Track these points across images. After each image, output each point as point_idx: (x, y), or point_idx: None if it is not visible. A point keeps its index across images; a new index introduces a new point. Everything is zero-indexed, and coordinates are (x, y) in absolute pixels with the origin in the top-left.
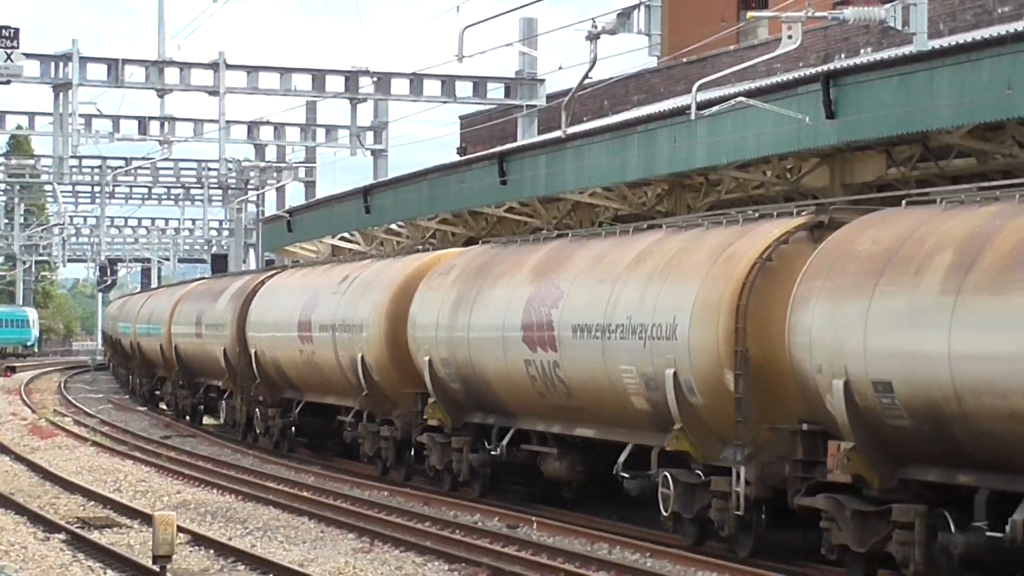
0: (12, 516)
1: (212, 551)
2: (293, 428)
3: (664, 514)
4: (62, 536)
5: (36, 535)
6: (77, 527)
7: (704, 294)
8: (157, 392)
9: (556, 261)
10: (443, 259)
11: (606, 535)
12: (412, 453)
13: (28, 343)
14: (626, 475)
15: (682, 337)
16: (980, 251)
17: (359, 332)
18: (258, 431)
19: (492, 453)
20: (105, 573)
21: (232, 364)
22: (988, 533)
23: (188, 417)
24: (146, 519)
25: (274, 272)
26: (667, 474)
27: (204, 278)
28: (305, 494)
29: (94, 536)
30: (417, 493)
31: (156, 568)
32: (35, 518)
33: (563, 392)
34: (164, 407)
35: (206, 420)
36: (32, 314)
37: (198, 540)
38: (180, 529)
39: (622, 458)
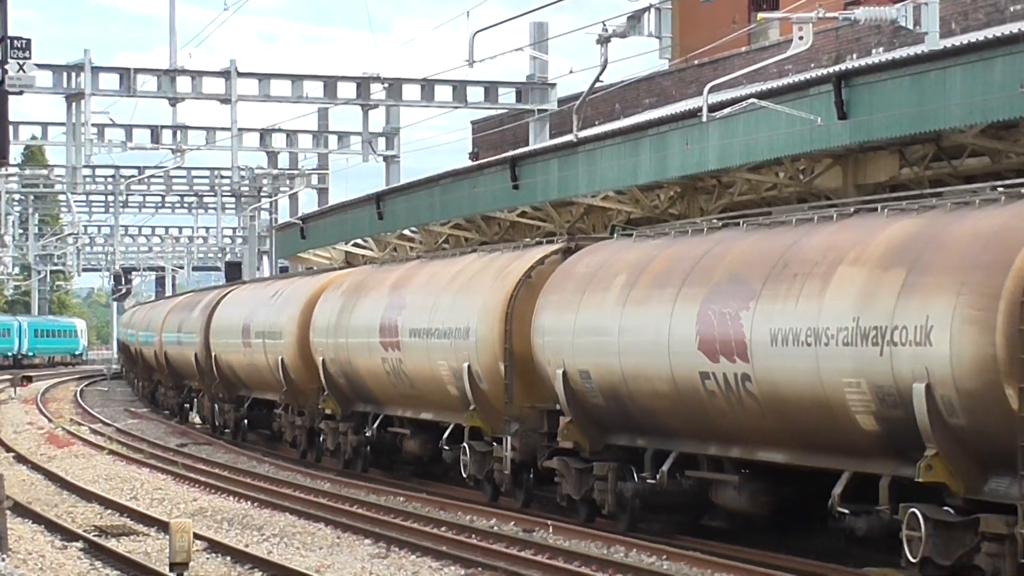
0: (30, 525)
1: (229, 558)
2: (245, 421)
3: (464, 475)
4: (79, 544)
5: (54, 543)
6: (94, 535)
7: (486, 303)
8: (187, 405)
9: (406, 278)
10: (339, 277)
11: (622, 538)
12: (321, 439)
13: (77, 352)
14: (446, 447)
15: (472, 337)
16: (641, 273)
17: (280, 338)
18: (217, 423)
19: (367, 435)
20: None
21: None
22: (648, 481)
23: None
24: (163, 527)
25: (334, 274)
26: (466, 445)
27: (229, 284)
28: (321, 500)
29: (111, 544)
30: (433, 499)
31: (173, 575)
32: (52, 527)
33: (407, 383)
34: (198, 421)
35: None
36: (80, 324)
37: (215, 547)
38: (197, 536)
39: (445, 435)
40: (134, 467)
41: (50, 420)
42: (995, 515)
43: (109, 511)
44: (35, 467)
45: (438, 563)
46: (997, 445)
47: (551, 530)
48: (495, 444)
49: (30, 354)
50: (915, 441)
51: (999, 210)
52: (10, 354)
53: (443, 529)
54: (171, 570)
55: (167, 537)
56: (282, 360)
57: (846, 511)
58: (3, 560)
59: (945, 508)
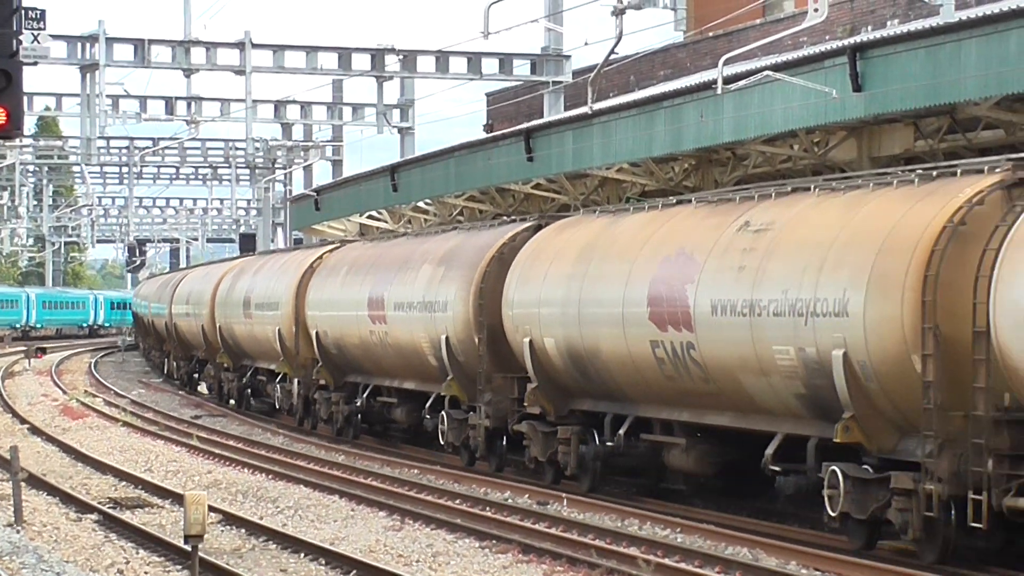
0: (44, 497)
1: (243, 530)
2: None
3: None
4: (94, 516)
5: (68, 516)
6: (109, 507)
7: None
8: (195, 375)
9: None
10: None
11: (636, 511)
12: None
13: (87, 323)
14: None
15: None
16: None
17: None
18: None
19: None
20: (137, 553)
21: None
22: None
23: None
24: (177, 499)
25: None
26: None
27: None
28: (336, 473)
29: (126, 516)
30: (447, 471)
31: (188, 547)
32: (67, 499)
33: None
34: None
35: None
36: (98, 296)
37: (229, 519)
38: (211, 508)
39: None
40: (148, 439)
41: (64, 392)
42: (475, 413)
43: (124, 483)
44: (50, 439)
45: (452, 535)
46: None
47: (565, 503)
48: (471, 412)
49: (38, 326)
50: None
51: (492, 231)
52: (18, 326)
53: (457, 501)
54: (186, 542)
55: (182, 509)
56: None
57: (777, 470)
58: (18, 532)
59: (462, 409)
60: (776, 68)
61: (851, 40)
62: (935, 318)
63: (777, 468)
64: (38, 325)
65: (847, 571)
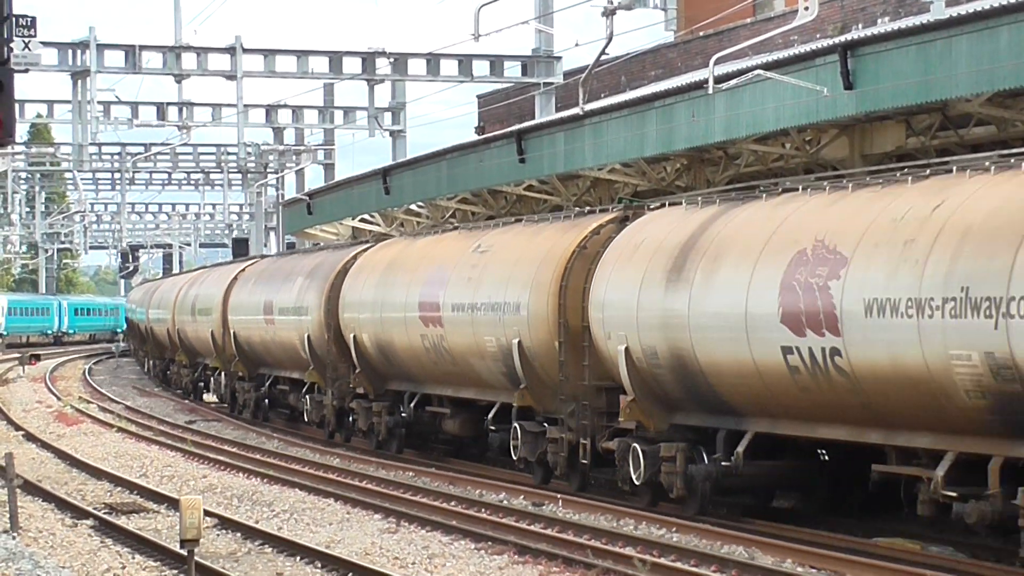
0: (40, 503)
1: (239, 534)
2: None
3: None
4: (90, 522)
5: (64, 521)
6: (105, 513)
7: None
8: (201, 384)
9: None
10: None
11: (632, 511)
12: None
13: (119, 329)
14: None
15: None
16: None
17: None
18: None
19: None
20: (133, 558)
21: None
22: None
23: None
24: (173, 504)
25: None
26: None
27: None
28: (331, 476)
29: (122, 521)
30: (444, 473)
31: (184, 552)
32: (63, 504)
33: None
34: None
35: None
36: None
37: (225, 524)
38: (207, 513)
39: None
40: (143, 444)
41: (59, 398)
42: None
43: (119, 488)
44: (45, 445)
45: (448, 537)
46: None
47: (560, 504)
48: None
49: (71, 332)
50: None
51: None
52: (50, 332)
53: (453, 504)
54: (182, 547)
55: (177, 514)
56: (308, 337)
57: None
58: (14, 538)
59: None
60: (767, 67)
61: (842, 38)
62: (565, 314)
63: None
64: (71, 331)
65: (844, 568)
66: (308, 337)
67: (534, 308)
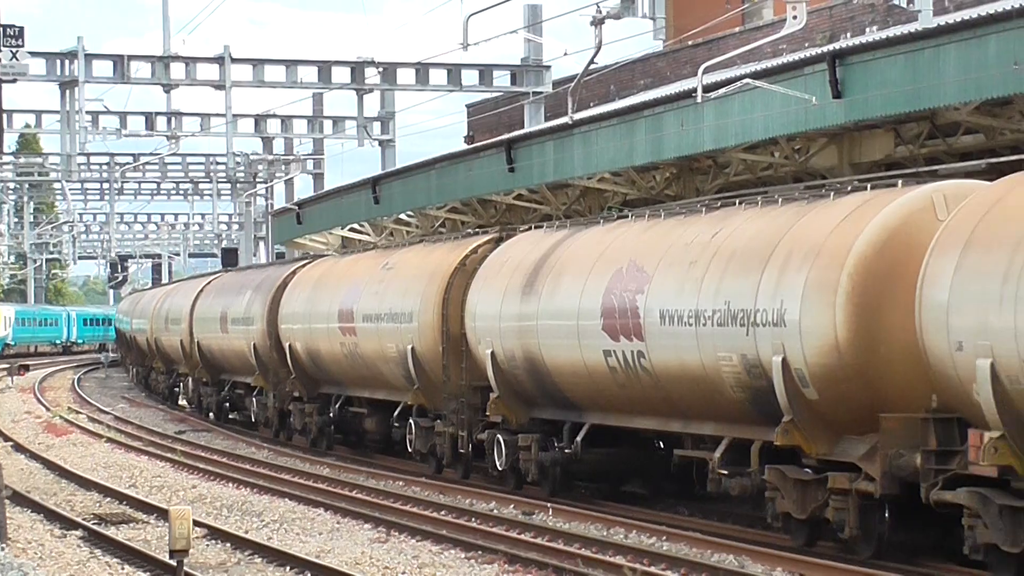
0: (29, 514)
1: (229, 544)
2: (226, 403)
3: (410, 449)
4: (79, 533)
5: (53, 532)
6: (94, 523)
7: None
8: (176, 389)
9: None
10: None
11: (622, 520)
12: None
13: None
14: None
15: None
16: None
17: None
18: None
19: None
20: (122, 569)
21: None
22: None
23: None
24: (162, 514)
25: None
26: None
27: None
28: (321, 486)
29: (111, 532)
30: (433, 483)
31: (173, 563)
32: (52, 515)
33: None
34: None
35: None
36: None
37: (215, 534)
38: (196, 523)
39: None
40: (132, 455)
41: (48, 408)
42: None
43: (108, 499)
44: (33, 456)
45: (438, 547)
46: None
47: (551, 512)
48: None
49: (80, 341)
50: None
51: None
52: (58, 342)
53: (443, 513)
54: (171, 557)
55: (167, 524)
56: (254, 346)
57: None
58: (3, 549)
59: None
60: (756, 76)
61: (830, 47)
62: (448, 323)
63: None
64: (80, 341)
65: None
66: (255, 345)
67: (423, 318)
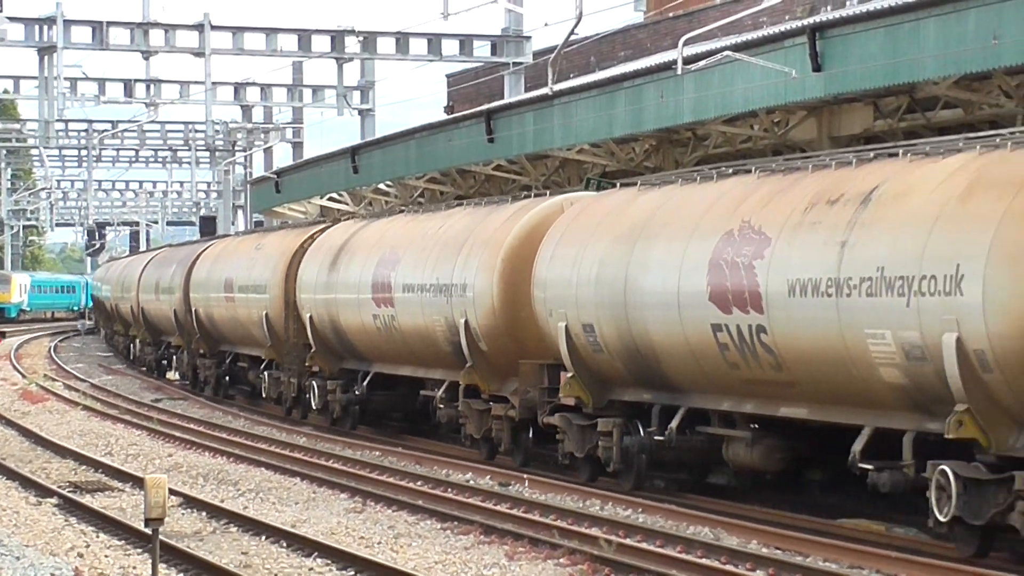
0: (3, 481)
1: (204, 513)
2: (227, 377)
3: (462, 434)
4: (54, 500)
5: (28, 500)
6: (69, 491)
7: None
8: (164, 362)
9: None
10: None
11: (598, 491)
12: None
13: None
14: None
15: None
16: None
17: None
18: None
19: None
20: (97, 536)
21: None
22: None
23: None
24: (138, 482)
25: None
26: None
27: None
28: (297, 455)
29: (86, 500)
30: (410, 452)
31: (148, 531)
32: (27, 483)
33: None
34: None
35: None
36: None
37: (190, 503)
38: (172, 492)
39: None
40: (109, 423)
41: (24, 376)
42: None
43: (84, 467)
44: (9, 423)
45: (414, 517)
46: None
47: (527, 484)
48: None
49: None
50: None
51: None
52: (76, 308)
53: (419, 483)
54: (146, 525)
55: (142, 493)
56: (266, 315)
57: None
58: None
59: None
60: (736, 48)
61: (810, 20)
62: (293, 298)
63: None
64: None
65: (808, 549)
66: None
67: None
